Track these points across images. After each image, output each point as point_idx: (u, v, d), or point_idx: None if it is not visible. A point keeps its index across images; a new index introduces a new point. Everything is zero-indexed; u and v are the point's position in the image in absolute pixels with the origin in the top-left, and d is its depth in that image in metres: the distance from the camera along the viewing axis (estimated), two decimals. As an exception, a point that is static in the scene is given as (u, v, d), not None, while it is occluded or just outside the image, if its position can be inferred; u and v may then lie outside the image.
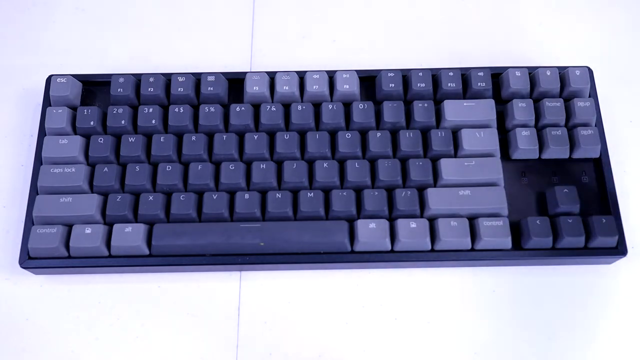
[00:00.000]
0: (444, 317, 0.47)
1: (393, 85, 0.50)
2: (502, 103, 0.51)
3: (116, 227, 0.46)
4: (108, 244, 0.46)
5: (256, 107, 0.50)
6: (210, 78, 0.50)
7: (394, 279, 0.48)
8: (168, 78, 0.51)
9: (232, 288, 0.48)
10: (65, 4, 0.58)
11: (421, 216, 0.47)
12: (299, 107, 0.50)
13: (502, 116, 0.51)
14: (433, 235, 0.46)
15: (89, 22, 0.57)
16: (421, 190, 0.47)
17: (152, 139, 0.49)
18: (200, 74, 0.51)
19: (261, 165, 0.48)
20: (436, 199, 0.46)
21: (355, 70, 0.51)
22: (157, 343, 0.46)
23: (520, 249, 0.47)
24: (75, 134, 0.49)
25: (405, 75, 0.51)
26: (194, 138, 0.48)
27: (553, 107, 0.49)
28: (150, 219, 0.46)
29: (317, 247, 0.46)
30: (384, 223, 0.46)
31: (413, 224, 0.46)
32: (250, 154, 0.48)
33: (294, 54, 0.56)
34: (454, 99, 0.50)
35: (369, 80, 0.52)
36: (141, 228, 0.46)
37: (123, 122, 0.49)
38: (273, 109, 0.50)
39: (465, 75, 0.51)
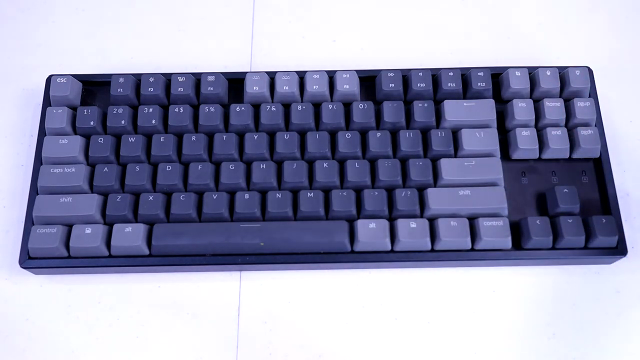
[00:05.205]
0: (444, 317, 0.47)
1: (393, 85, 0.50)
2: (502, 103, 0.51)
3: (116, 227, 0.46)
4: (108, 244, 0.46)
5: (256, 107, 0.50)
6: (210, 78, 0.50)
7: (394, 279, 0.48)
8: (168, 78, 0.51)
9: (232, 288, 0.48)
10: (65, 4, 0.58)
11: (421, 216, 0.47)
12: (299, 107, 0.50)
13: (502, 116, 0.51)
14: (433, 235, 0.46)
15: (89, 22, 0.57)
16: (421, 190, 0.47)
17: (152, 139, 0.49)
18: (200, 74, 0.51)
19: (261, 165, 0.48)
20: (436, 199, 0.46)
21: (355, 70, 0.51)
22: (157, 343, 0.46)
23: (520, 249, 0.47)
24: (75, 134, 0.49)
25: (405, 75, 0.51)
26: (194, 138, 0.48)
27: (553, 107, 0.49)
28: (150, 219, 0.46)
29: (317, 247, 0.46)
30: (384, 223, 0.46)
31: (413, 224, 0.46)
32: (250, 154, 0.48)
33: (294, 54, 0.56)
34: (454, 99, 0.50)
35: (369, 80, 0.52)
36: (141, 228, 0.46)
37: (123, 122, 0.49)
38: (273, 109, 0.50)
39: (465, 75, 0.51)
